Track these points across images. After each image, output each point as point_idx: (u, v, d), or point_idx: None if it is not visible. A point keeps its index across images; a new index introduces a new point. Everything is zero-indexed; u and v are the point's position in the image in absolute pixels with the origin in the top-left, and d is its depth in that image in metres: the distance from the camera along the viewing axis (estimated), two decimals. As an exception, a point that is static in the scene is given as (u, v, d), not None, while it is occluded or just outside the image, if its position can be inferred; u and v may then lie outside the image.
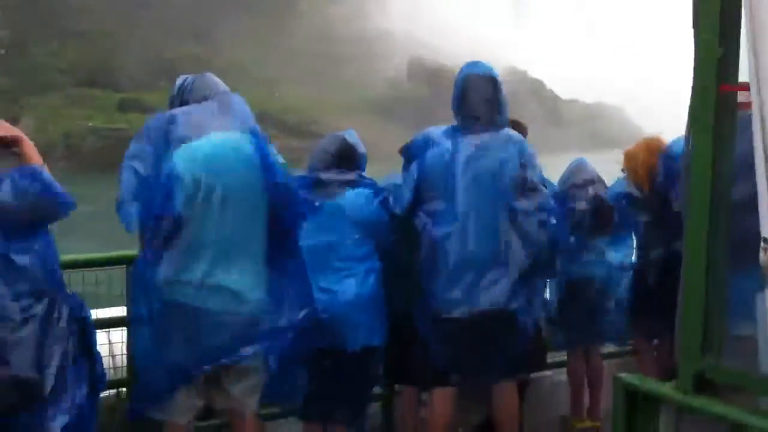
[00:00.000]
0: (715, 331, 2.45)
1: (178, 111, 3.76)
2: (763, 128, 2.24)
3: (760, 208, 2.26)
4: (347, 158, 4.45)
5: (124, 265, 4.17)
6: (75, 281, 4.13)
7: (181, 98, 3.90)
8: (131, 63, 63.09)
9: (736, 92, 2.46)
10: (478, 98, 4.29)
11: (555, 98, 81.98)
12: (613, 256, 5.40)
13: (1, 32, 63.93)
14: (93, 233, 16.97)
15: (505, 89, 4.36)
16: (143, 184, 3.57)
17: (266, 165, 3.72)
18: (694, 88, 2.48)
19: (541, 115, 74.70)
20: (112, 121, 52.62)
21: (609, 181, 5.63)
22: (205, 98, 3.84)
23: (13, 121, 50.01)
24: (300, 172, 4.38)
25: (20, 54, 61.83)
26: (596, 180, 5.50)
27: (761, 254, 2.24)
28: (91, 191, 35.19)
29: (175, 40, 67.95)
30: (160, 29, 68.84)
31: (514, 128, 4.54)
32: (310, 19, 76.09)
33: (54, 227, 3.38)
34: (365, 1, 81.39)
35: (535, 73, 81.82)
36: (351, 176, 4.41)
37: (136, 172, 3.59)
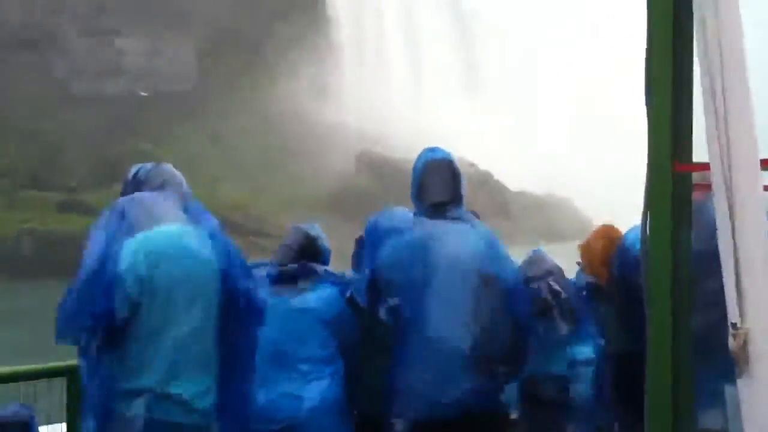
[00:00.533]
0: (684, 428, 2.42)
1: (125, 200, 3.60)
2: (730, 206, 2.17)
3: (726, 294, 2.21)
4: (311, 252, 4.40)
5: (65, 377, 4.01)
6: (14, 395, 4.04)
7: (135, 186, 3.77)
8: (73, 161, 62.14)
9: (691, 173, 2.48)
10: (439, 184, 4.21)
11: (504, 190, 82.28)
12: (576, 350, 5.27)
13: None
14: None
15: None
16: (85, 282, 3.36)
17: (226, 262, 3.61)
18: (648, 168, 2.45)
19: (489, 207, 74.86)
20: (50, 223, 51.34)
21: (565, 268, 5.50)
22: (161, 187, 3.72)
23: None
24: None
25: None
26: (554, 271, 5.35)
27: (730, 341, 2.19)
28: (27, 299, 33.91)
29: (118, 136, 67.40)
30: (103, 126, 68.35)
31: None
32: (261, 113, 75.98)
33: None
34: (320, 96, 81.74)
35: (483, 165, 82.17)
36: (316, 271, 4.33)
37: (83, 268, 3.40)
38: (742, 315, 2.21)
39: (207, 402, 3.51)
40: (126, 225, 3.47)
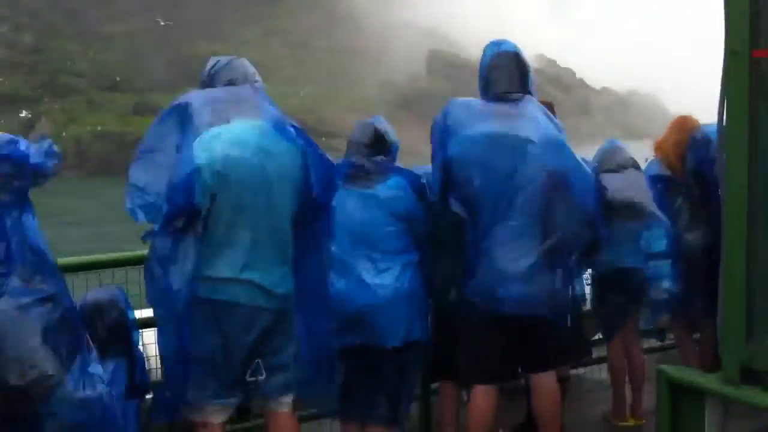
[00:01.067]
0: (760, 319, 2.38)
1: (196, 95, 3.59)
2: None
3: None
4: (379, 146, 4.36)
5: (141, 265, 3.87)
6: (106, 281, 4.19)
7: (211, 80, 3.77)
8: (151, 64, 62.56)
9: None
10: (506, 77, 4.20)
11: (585, 87, 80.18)
12: (652, 243, 5.18)
13: (27, 36, 63.89)
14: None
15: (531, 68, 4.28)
16: (160, 176, 3.41)
17: (302, 155, 3.61)
18: (725, 54, 2.40)
19: (569, 104, 73.25)
20: (125, 124, 51.94)
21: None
22: (232, 83, 3.72)
23: (31, 125, 50.43)
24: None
25: (43, 57, 61.48)
26: (630, 164, 5.24)
27: None
28: (98, 194, 34.67)
29: (192, 39, 67.50)
30: (177, 30, 68.49)
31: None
32: (328, 12, 75.02)
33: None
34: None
35: (565, 61, 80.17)
36: (385, 165, 4.33)
37: (150, 163, 3.45)
38: None
39: (285, 288, 3.59)
40: (200, 118, 3.47)
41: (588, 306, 5.37)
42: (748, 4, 2.34)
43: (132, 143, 50.06)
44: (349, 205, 4.13)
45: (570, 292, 4.40)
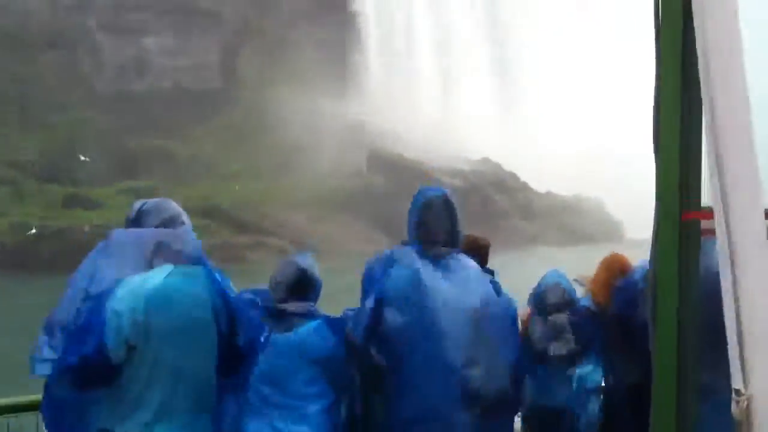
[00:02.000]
0: None
1: (120, 237, 3.68)
2: (731, 261, 2.21)
3: (730, 357, 2.24)
4: (303, 287, 4.45)
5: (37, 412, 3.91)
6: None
7: (138, 221, 3.85)
8: (93, 157, 62.55)
9: (699, 219, 2.52)
10: (435, 223, 4.32)
11: (529, 190, 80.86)
12: (583, 381, 5.33)
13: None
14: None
15: (458, 206, 4.42)
16: (75, 321, 3.36)
17: (220, 297, 3.60)
18: (656, 215, 2.54)
19: (512, 208, 73.78)
20: (51, 217, 51.46)
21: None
22: (159, 225, 3.78)
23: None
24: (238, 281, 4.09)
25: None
26: (566, 303, 5.43)
27: (733, 406, 2.23)
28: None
29: (138, 133, 67.79)
30: (124, 123, 68.75)
31: (475, 246, 4.91)
32: (282, 110, 75.79)
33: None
34: (342, 94, 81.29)
35: (509, 164, 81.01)
36: (307, 308, 4.38)
37: (69, 303, 3.41)
38: (745, 381, 2.21)
39: None
40: (122, 261, 3.51)
41: None
42: (678, 167, 2.48)
43: (51, 237, 50.44)
44: (267, 349, 4.10)
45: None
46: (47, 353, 3.34)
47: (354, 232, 59.44)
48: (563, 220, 77.87)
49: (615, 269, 5.44)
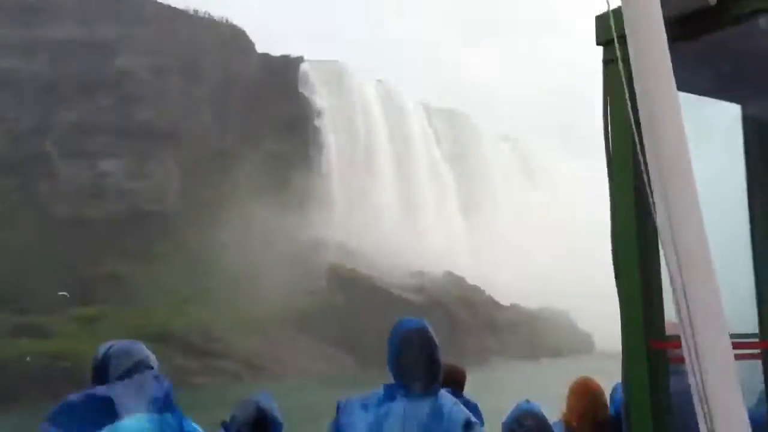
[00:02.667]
0: None
1: (87, 396, 3.73)
2: (702, 386, 2.24)
3: None
4: (262, 426, 4.41)
5: None
6: None
7: (103, 368, 3.88)
8: (41, 284, 61.18)
9: (666, 349, 2.55)
10: (416, 358, 4.31)
11: (493, 304, 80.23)
12: None
13: None
14: None
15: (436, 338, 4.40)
16: None
17: None
18: (623, 344, 2.58)
19: (475, 322, 72.92)
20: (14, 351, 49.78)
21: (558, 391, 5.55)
22: (128, 372, 3.83)
23: None
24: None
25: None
26: (544, 427, 5.11)
27: None
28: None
29: (92, 258, 66.84)
30: (78, 248, 67.83)
31: (452, 376, 5.02)
32: (240, 230, 75.29)
33: None
34: (304, 212, 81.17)
35: (473, 278, 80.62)
36: None
37: None
38: None
39: None
40: (89, 420, 3.56)
41: None
42: (641, 295, 2.53)
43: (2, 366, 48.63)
44: None
45: None
46: None
47: (313, 352, 58.28)
48: (529, 333, 76.89)
49: (586, 397, 5.35)
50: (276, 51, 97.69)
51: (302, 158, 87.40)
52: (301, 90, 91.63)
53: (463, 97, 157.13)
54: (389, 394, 4.31)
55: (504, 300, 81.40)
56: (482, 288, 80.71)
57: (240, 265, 70.25)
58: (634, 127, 2.50)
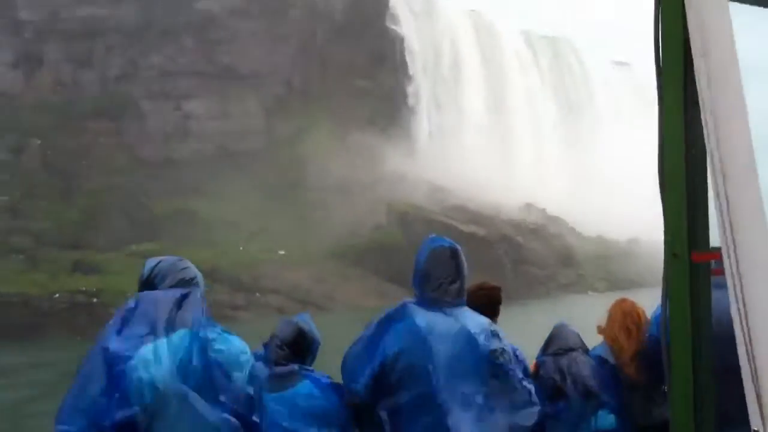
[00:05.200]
0: None
1: (138, 300, 3.81)
2: (743, 301, 2.21)
3: (747, 397, 2.22)
4: (301, 348, 4.61)
5: None
6: None
7: (150, 282, 3.95)
8: (115, 222, 63.93)
9: (710, 260, 2.52)
10: (443, 275, 4.38)
11: (575, 236, 77.81)
12: (600, 422, 5.28)
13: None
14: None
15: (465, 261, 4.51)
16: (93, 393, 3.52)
17: (221, 371, 3.71)
18: (665, 256, 2.55)
19: (550, 254, 71.09)
20: (55, 284, 52.29)
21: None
22: (173, 286, 3.89)
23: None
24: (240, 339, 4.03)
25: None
26: (578, 346, 5.44)
27: None
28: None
29: (174, 196, 69.04)
30: (161, 187, 70.19)
31: (487, 291, 5.15)
32: (319, 168, 75.95)
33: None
34: (392, 150, 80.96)
35: (556, 211, 78.45)
36: (305, 371, 4.53)
37: (87, 379, 3.57)
38: (764, 421, 2.19)
39: None
40: (137, 329, 3.66)
41: None
42: (685, 207, 2.51)
43: (37, 308, 51.31)
44: (267, 410, 4.24)
45: None
46: None
47: (366, 287, 58.38)
48: (610, 265, 74.30)
49: (626, 308, 5.44)
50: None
51: (389, 93, 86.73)
52: (388, 24, 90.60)
53: (566, 24, 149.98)
54: (414, 309, 4.37)
55: (589, 232, 78.92)
56: (564, 219, 78.48)
57: (311, 203, 71.16)
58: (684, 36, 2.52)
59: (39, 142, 71.34)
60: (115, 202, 65.77)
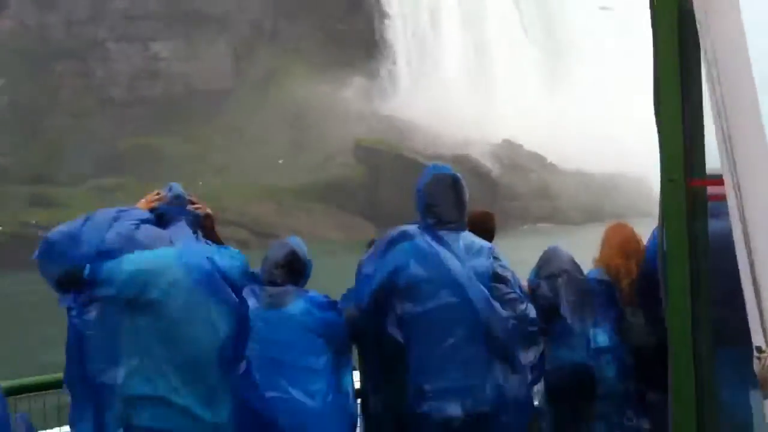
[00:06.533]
0: (708, 415, 2.58)
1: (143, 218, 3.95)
2: (744, 225, 2.19)
3: (749, 315, 2.22)
4: (295, 268, 4.69)
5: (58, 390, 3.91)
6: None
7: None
8: (78, 158, 62.92)
9: (706, 186, 2.53)
10: (445, 201, 4.58)
11: (554, 170, 76.90)
12: (599, 338, 5.35)
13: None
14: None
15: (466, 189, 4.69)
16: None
17: (220, 282, 3.77)
18: (662, 181, 2.58)
19: (527, 188, 70.35)
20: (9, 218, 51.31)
21: None
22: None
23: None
24: None
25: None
26: (568, 269, 5.44)
27: (755, 363, 2.22)
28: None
29: (139, 134, 67.97)
30: (126, 126, 69.16)
31: (483, 219, 5.38)
32: (289, 109, 74.74)
33: None
34: (366, 91, 79.64)
35: (535, 146, 77.43)
36: (293, 291, 4.58)
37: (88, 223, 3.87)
38: (766, 338, 2.20)
39: (215, 411, 3.62)
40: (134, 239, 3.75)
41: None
42: (681, 135, 2.53)
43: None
44: (265, 326, 4.26)
45: (520, 393, 4.43)
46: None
47: (331, 221, 57.74)
48: (589, 198, 73.39)
49: (622, 231, 5.54)
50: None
51: (365, 36, 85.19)
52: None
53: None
54: (415, 231, 4.49)
55: (568, 166, 77.84)
56: (543, 155, 77.48)
57: (278, 141, 70.09)
58: None
59: (3, 81, 69.95)
60: (80, 140, 64.58)
